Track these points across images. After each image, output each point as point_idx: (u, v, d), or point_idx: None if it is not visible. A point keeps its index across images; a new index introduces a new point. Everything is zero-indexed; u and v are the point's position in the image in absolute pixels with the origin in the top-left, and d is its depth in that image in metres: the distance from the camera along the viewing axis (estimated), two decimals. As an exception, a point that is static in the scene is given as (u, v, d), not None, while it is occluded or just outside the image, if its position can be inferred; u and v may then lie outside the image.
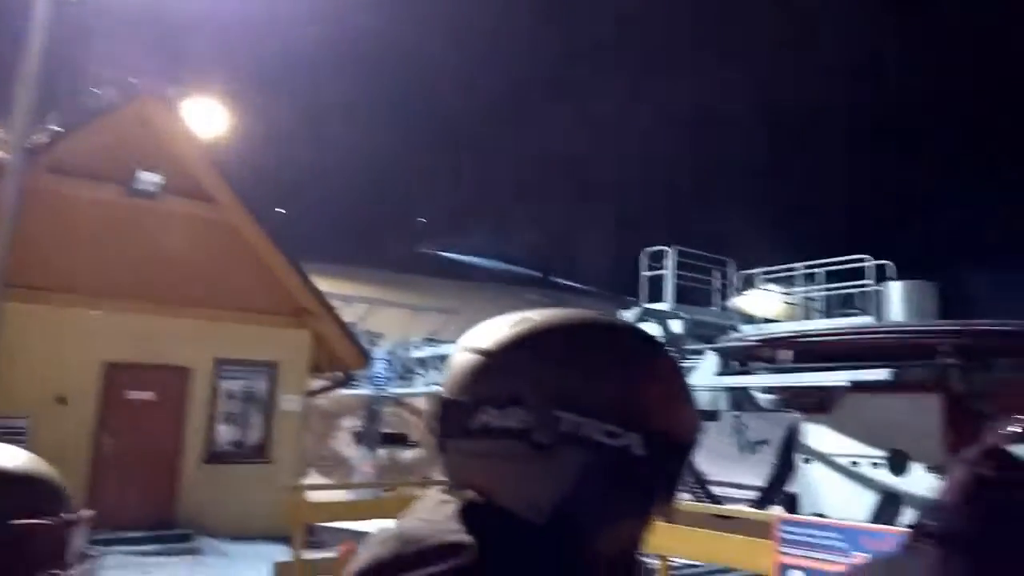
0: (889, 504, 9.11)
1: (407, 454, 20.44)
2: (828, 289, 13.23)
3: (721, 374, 11.98)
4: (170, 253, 11.26)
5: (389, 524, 0.91)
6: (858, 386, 9.46)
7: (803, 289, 13.47)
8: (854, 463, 9.76)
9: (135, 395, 10.99)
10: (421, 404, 20.38)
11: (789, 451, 11.82)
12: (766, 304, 13.59)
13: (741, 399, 12.42)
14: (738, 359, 11.85)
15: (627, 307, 14.16)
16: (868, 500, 9.38)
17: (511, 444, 0.86)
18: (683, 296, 13.90)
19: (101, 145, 10.92)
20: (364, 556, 0.86)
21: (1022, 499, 1.53)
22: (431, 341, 17.83)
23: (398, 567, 0.82)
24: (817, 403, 10.29)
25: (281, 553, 7.52)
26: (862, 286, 12.46)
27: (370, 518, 7.24)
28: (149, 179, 11.10)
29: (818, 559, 4.85)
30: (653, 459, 0.87)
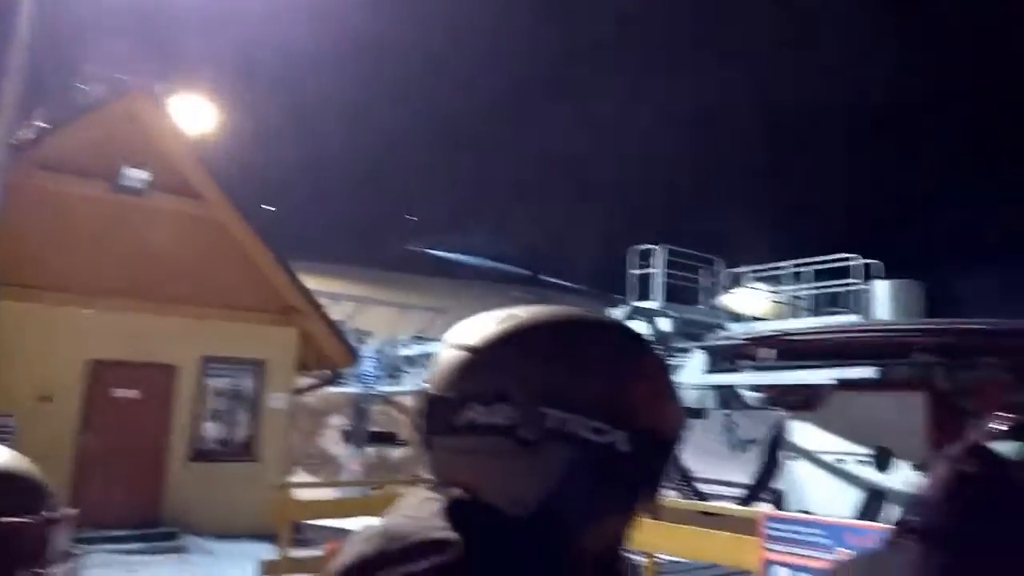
0: (874, 501, 9.18)
1: (395, 452, 20.41)
2: (815, 288, 13.31)
3: (708, 372, 12.03)
4: (157, 250, 11.19)
5: (375, 522, 0.91)
6: (844, 384, 9.53)
7: (790, 288, 13.54)
8: (840, 460, 9.83)
9: (121, 393, 10.91)
10: (409, 402, 20.34)
11: (775, 449, 11.89)
12: (754, 303, 13.66)
13: (728, 397, 12.47)
14: (725, 357, 11.91)
15: (616, 305, 14.19)
16: (853, 497, 9.45)
17: (497, 440, 0.86)
18: (671, 294, 13.94)
19: (88, 141, 10.84)
20: (349, 553, 0.86)
21: (1003, 495, 1.55)
22: (419, 339, 17.80)
23: (383, 564, 0.82)
24: (803, 401, 10.36)
25: (268, 552, 7.50)
26: (849, 285, 12.54)
27: (357, 516, 7.23)
28: (136, 176, 11.03)
29: (803, 555, 4.88)
30: (638, 456, 0.87)
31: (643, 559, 5.79)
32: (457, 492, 0.88)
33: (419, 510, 0.88)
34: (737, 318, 13.32)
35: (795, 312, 13.21)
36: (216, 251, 11.81)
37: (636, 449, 0.87)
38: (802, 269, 13.47)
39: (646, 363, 0.94)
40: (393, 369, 17.39)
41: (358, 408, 17.76)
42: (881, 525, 5.64)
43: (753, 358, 11.19)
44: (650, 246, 13.92)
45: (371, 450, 18.65)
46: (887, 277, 12.21)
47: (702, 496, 13.73)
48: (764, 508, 9.77)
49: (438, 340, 1.03)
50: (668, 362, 12.60)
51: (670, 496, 10.96)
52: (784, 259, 13.72)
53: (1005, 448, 2.73)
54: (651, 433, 0.89)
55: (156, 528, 10.46)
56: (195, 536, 10.37)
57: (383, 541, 0.85)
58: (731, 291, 14.07)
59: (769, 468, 12.35)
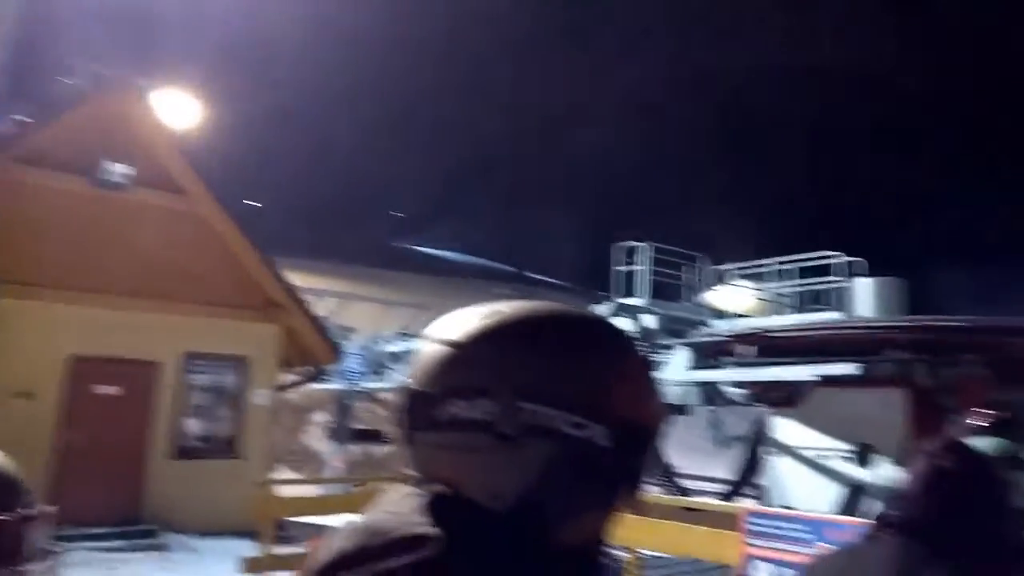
0: (855, 496, 9.27)
1: (380, 449, 20.37)
2: (799, 285, 13.40)
3: (692, 369, 12.10)
4: (139, 246, 11.10)
5: (357, 518, 0.91)
6: (826, 381, 9.61)
7: (774, 285, 13.63)
8: (821, 456, 9.92)
9: (102, 389, 10.82)
10: (393, 399, 20.28)
11: (757, 445, 11.98)
12: (738, 300, 13.73)
13: (712, 394, 12.55)
14: (709, 354, 11.97)
15: (601, 302, 14.24)
16: (835, 492, 9.53)
17: (478, 436, 0.86)
18: (656, 291, 14.00)
19: (70, 136, 10.72)
20: (329, 549, 0.86)
21: (979, 490, 1.58)
22: (404, 336, 17.78)
23: (363, 559, 0.82)
24: (786, 397, 10.43)
25: (250, 549, 7.46)
26: (832, 282, 12.64)
27: (340, 513, 7.21)
28: (118, 171, 10.93)
29: (784, 550, 4.92)
30: (619, 451, 0.88)
31: (625, 554, 5.82)
32: (438, 487, 0.88)
33: (400, 506, 0.88)
34: (721, 315, 13.39)
35: (778, 309, 13.30)
36: (199, 247, 11.73)
37: (617, 444, 0.87)
38: (786, 267, 13.56)
39: (627, 358, 0.94)
40: (377, 366, 17.37)
41: (342, 405, 17.71)
42: (862, 520, 5.70)
43: (736, 355, 11.26)
44: (635, 243, 13.97)
45: (355, 447, 18.61)
46: (870, 275, 12.32)
47: (685, 492, 13.81)
48: (746, 503, 9.84)
49: (422, 337, 1.01)
50: (650, 358, 12.68)
51: (653, 492, 11.02)
52: (769, 256, 13.81)
53: (983, 444, 2.77)
54: (632, 428, 0.89)
55: (137, 526, 10.38)
56: (177, 534, 10.31)
57: (363, 536, 0.85)
58: (715, 288, 14.14)
59: (751, 464, 12.45)
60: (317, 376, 14.36)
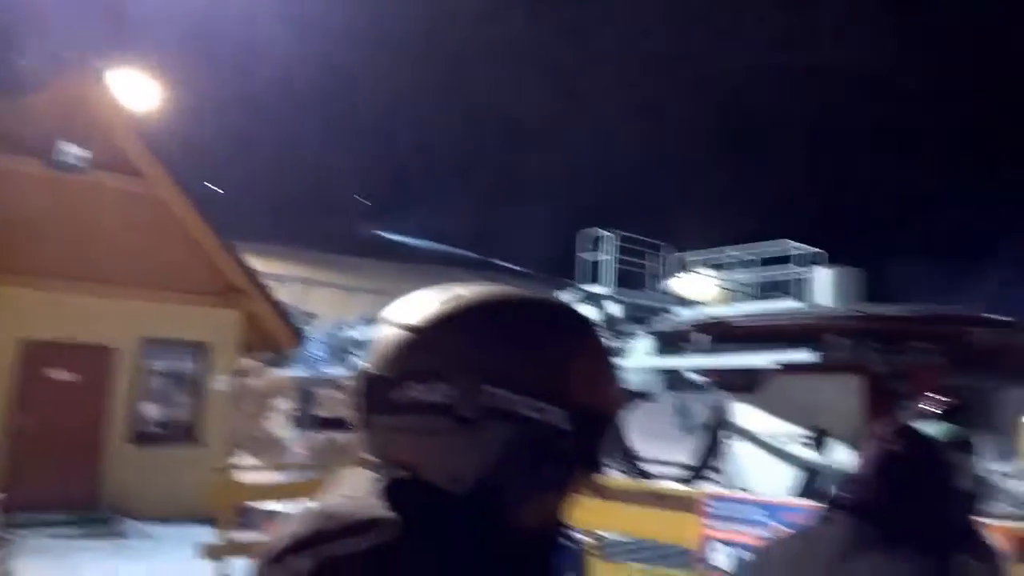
0: (811, 479, 9.48)
1: (343, 437, 20.27)
2: (759, 274, 13.61)
3: (655, 355, 12.23)
4: (95, 229, 10.86)
5: (314, 502, 0.90)
6: (784, 367, 9.78)
7: (736, 274, 13.82)
8: (779, 441, 10.11)
9: (56, 374, 10.60)
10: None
11: (718, 430, 12.16)
12: (700, 288, 13.89)
13: (674, 380, 12.70)
14: (671, 341, 12.11)
15: (565, 290, 14.29)
16: (792, 476, 9.74)
17: (437, 419, 0.86)
18: (620, 279, 14.11)
19: (25, 117, 10.42)
20: (285, 532, 0.85)
21: (927, 473, 1.63)
22: (367, 322, 17.68)
23: (319, 543, 0.81)
24: (745, 383, 10.61)
25: (209, 535, 7.38)
26: (792, 272, 12.85)
27: (301, 499, 7.17)
28: (74, 152, 10.67)
29: (742, 532, 5.01)
30: (577, 434, 0.88)
31: (585, 537, 5.87)
32: (395, 471, 0.88)
33: (356, 489, 0.88)
34: (684, 303, 13.54)
35: (740, 297, 13.49)
36: (157, 230, 11.50)
37: (575, 427, 0.88)
38: (748, 256, 13.75)
39: (587, 342, 0.95)
40: (340, 352, 17.25)
41: (304, 391, 17.58)
42: (817, 503, 5.83)
43: (698, 342, 11.41)
44: (601, 232, 14.05)
45: (318, 434, 18.49)
46: (829, 265, 12.54)
47: (647, 476, 13.98)
48: (706, 487, 9.99)
49: (380, 320, 1.00)
50: (610, 343, 12.82)
51: (615, 476, 11.14)
52: (731, 246, 13.99)
53: (934, 429, 2.85)
54: (590, 412, 0.90)
55: (93, 512, 10.22)
56: (134, 520, 10.16)
57: (319, 520, 0.84)
58: (678, 276, 14.29)
59: (711, 449, 12.64)
60: (279, 362, 14.23)
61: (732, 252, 13.98)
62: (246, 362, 13.29)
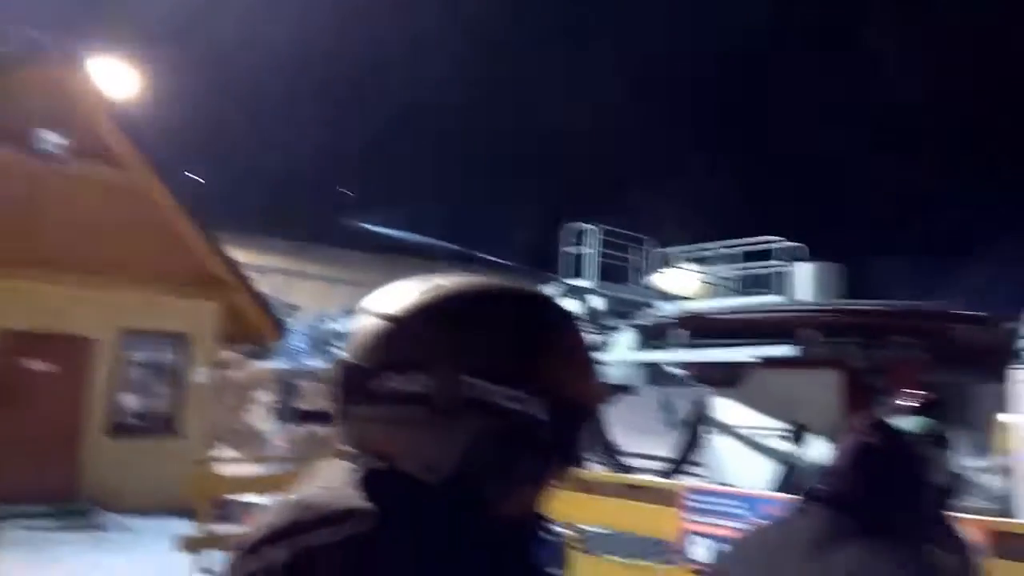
0: (790, 473, 9.56)
1: (324, 430, 20.20)
2: (741, 269, 13.68)
3: (637, 349, 12.27)
4: (74, 218, 10.72)
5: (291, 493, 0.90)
6: (765, 362, 9.86)
7: (720, 269, 13.88)
8: (759, 435, 10.19)
9: (34, 365, 10.49)
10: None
11: (698, 424, 12.24)
12: (683, 282, 13.95)
13: (656, 374, 12.76)
14: (653, 335, 12.16)
15: (549, 283, 14.30)
16: (771, 470, 9.82)
17: (414, 409, 0.86)
18: (604, 273, 14.13)
19: (3, 103, 10.27)
20: (262, 523, 0.85)
21: (901, 466, 1.65)
22: (350, 314, 17.60)
23: (295, 533, 0.81)
24: (726, 378, 10.67)
25: (188, 528, 7.34)
26: (773, 267, 12.94)
27: (281, 492, 7.14)
28: (52, 140, 10.53)
29: (720, 525, 5.06)
30: (555, 425, 0.89)
31: (566, 529, 5.90)
32: (372, 461, 0.87)
33: (333, 480, 0.87)
34: (666, 297, 13.59)
35: (722, 292, 13.56)
36: (137, 220, 11.37)
37: (553, 418, 0.88)
38: (730, 250, 13.82)
39: (566, 334, 0.95)
40: (322, 344, 17.17)
41: (286, 384, 17.49)
42: (795, 496, 5.88)
43: (679, 336, 11.47)
44: (584, 225, 14.06)
45: (299, 427, 18.41)
46: (811, 260, 12.63)
47: (628, 469, 14.05)
48: (686, 481, 10.06)
49: (359, 310, 1.00)
50: (590, 335, 12.86)
51: (596, 469, 11.19)
52: (717, 240, 14.06)
53: (911, 423, 2.88)
54: (569, 403, 0.90)
55: (72, 504, 10.13)
56: (113, 513, 10.09)
57: (296, 511, 0.84)
58: (661, 271, 14.33)
59: (692, 442, 12.72)
60: (261, 354, 14.15)
61: (714, 247, 14.05)
62: (227, 354, 13.20)
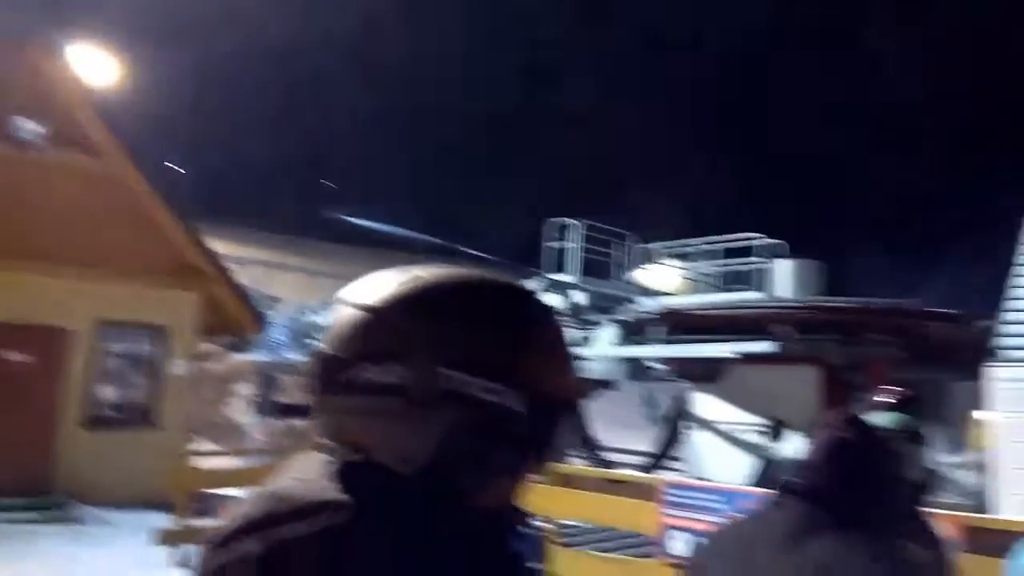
0: (768, 468, 9.64)
1: (304, 423, 20.10)
2: (722, 265, 13.75)
3: (618, 345, 12.31)
4: (51, 207, 10.56)
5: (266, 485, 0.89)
6: (744, 358, 9.92)
7: (699, 265, 13.95)
8: (738, 430, 10.27)
9: (10, 356, 10.36)
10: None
11: (678, 419, 12.31)
12: (664, 278, 13.99)
13: (637, 369, 12.81)
14: (634, 331, 12.20)
15: (531, 278, 14.31)
16: (750, 464, 9.89)
17: (391, 400, 0.86)
18: (586, 268, 14.16)
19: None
20: (236, 515, 0.84)
21: (874, 461, 1.67)
22: (331, 307, 17.51)
23: (270, 525, 0.80)
24: (706, 373, 10.74)
25: (166, 521, 7.29)
26: (753, 263, 13.01)
27: (260, 485, 7.10)
28: (29, 128, 10.37)
29: (699, 520, 5.09)
30: (532, 418, 0.89)
31: (546, 524, 5.91)
32: (348, 453, 0.87)
33: (308, 472, 0.87)
34: (648, 293, 13.63)
35: (703, 288, 13.62)
36: (115, 210, 11.23)
37: (530, 411, 0.88)
38: (711, 247, 13.89)
39: (544, 327, 0.95)
40: (303, 337, 17.10)
41: (266, 377, 17.40)
42: (773, 491, 5.92)
43: (660, 332, 11.52)
44: (567, 220, 14.08)
45: (279, 420, 18.33)
46: (791, 257, 12.71)
47: (608, 464, 14.11)
48: (665, 475, 10.12)
49: (337, 300, 0.99)
50: (574, 331, 12.89)
51: (576, 463, 11.22)
52: (697, 237, 14.12)
53: (887, 419, 2.91)
54: (545, 396, 0.90)
55: (48, 497, 10.01)
56: (90, 506, 9.98)
57: (270, 503, 0.84)
58: (644, 267, 14.37)
59: (672, 437, 12.79)
60: (240, 346, 14.06)
61: (696, 243, 14.11)
62: (206, 346, 13.09)
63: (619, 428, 15.91)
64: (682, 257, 14.25)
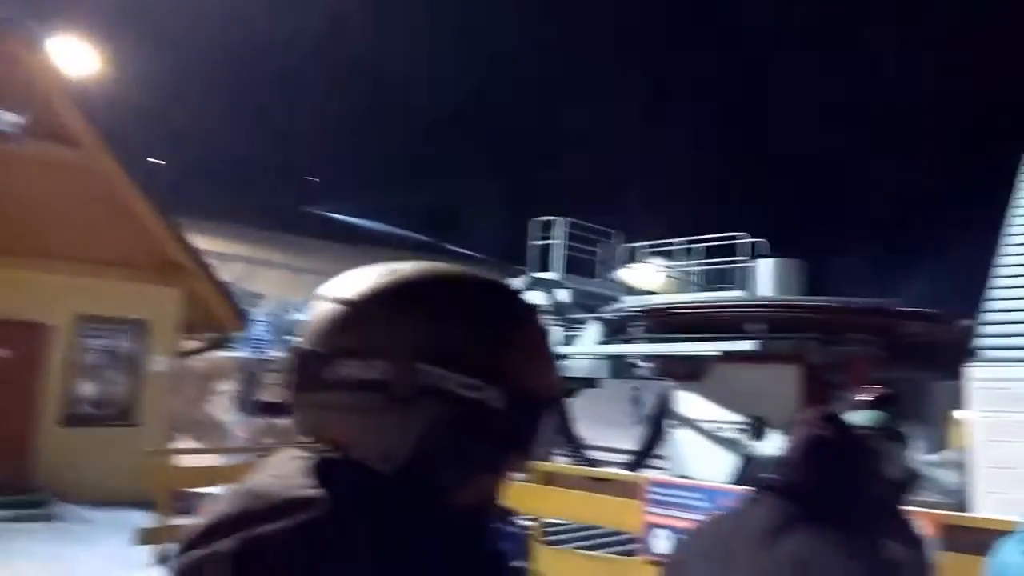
0: (749, 466, 9.70)
1: (286, 421, 19.98)
2: (705, 264, 13.82)
3: (602, 343, 12.35)
4: (30, 200, 10.42)
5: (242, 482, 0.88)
6: (726, 356, 9.97)
7: (683, 264, 14.01)
8: (719, 428, 10.32)
9: (-14, 352, 10.24)
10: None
11: (661, 417, 12.36)
12: (648, 277, 14.05)
13: (621, 367, 12.85)
14: (618, 329, 12.24)
15: (517, 276, 14.33)
16: (732, 462, 9.95)
17: (369, 396, 0.84)
18: (570, 266, 14.20)
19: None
20: (211, 512, 0.83)
21: (850, 457, 1.69)
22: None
23: (246, 522, 0.79)
24: (689, 371, 10.78)
25: (148, 520, 7.23)
26: (736, 262, 13.08)
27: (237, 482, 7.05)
28: (7, 119, 10.23)
29: (681, 517, 5.11)
30: (512, 414, 0.88)
31: (530, 522, 5.92)
32: (325, 450, 0.86)
33: (285, 469, 0.86)
34: (632, 291, 13.68)
35: (686, 287, 13.68)
36: (95, 203, 11.10)
37: (510, 407, 0.87)
38: (694, 245, 13.96)
39: (525, 323, 0.94)
40: (285, 334, 17.01)
41: (248, 374, 17.29)
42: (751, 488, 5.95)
43: (644, 330, 11.56)
44: (551, 218, 14.10)
45: (260, 418, 18.23)
46: (772, 256, 12.78)
47: (593, 463, 14.16)
48: (649, 474, 10.16)
49: (315, 295, 0.98)
50: (557, 328, 12.91)
51: (560, 461, 11.25)
52: (683, 235, 14.19)
53: (863, 416, 2.93)
54: (526, 392, 0.89)
55: (26, 495, 9.89)
56: (70, 504, 9.88)
57: (246, 500, 0.82)
58: (628, 265, 14.43)
59: (655, 435, 12.85)
60: (222, 343, 13.95)
61: (680, 242, 14.18)
62: (187, 342, 12.98)
63: (603, 426, 15.96)
64: (666, 256, 14.31)
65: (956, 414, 8.46)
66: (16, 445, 10.25)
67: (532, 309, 0.98)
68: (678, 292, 13.24)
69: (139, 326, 11.57)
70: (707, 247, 13.77)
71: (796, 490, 1.60)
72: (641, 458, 12.99)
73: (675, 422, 11.25)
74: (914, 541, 2.36)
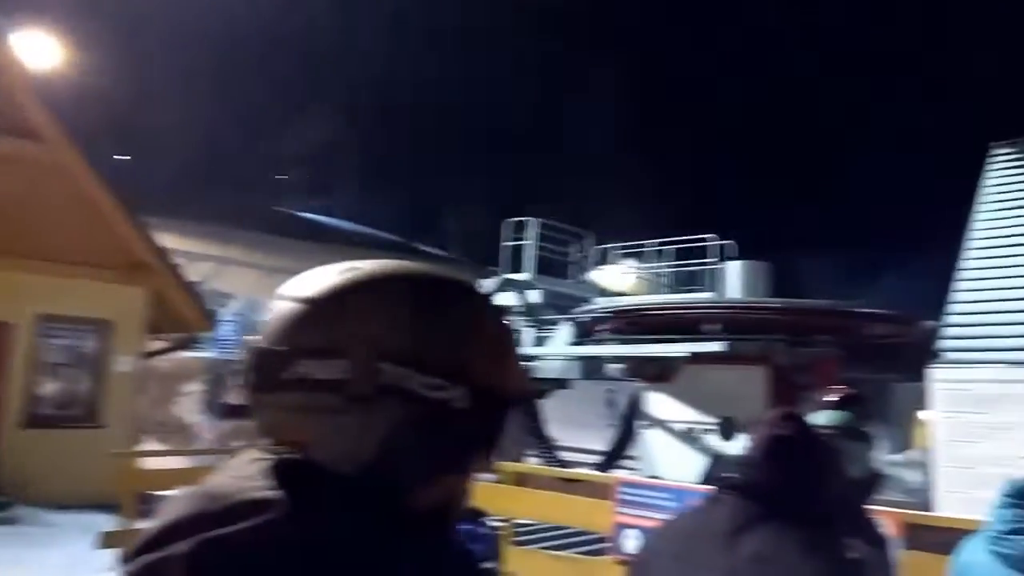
0: (717, 466, 9.79)
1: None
2: (675, 266, 13.93)
3: (573, 344, 12.38)
4: (-11, 197, 10.21)
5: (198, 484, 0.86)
6: (695, 357, 10.06)
7: (653, 265, 14.11)
8: (689, 429, 10.41)
9: (-57, 352, 9.98)
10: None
11: (632, 418, 12.42)
12: (619, 278, 14.12)
13: (592, 368, 12.90)
14: (589, 330, 12.29)
15: (488, 276, 14.32)
16: (701, 463, 10.03)
17: (330, 396, 0.83)
18: (542, 267, 14.23)
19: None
20: (167, 514, 0.81)
21: (810, 456, 1.71)
22: (283, 303, 17.25)
23: (202, 524, 0.78)
24: (659, 372, 10.86)
25: (112, 523, 7.09)
26: (705, 264, 13.20)
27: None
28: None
29: (650, 518, 5.13)
30: (476, 414, 0.87)
31: (501, 523, 5.91)
32: (285, 451, 0.84)
33: (243, 470, 0.84)
34: (603, 292, 13.74)
35: (656, 288, 13.77)
36: (58, 200, 10.87)
37: (474, 407, 0.87)
38: (665, 247, 14.06)
39: (489, 321, 0.94)
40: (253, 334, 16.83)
41: (216, 375, 17.06)
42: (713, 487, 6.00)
43: (614, 331, 11.62)
44: (523, 218, 14.12)
45: (228, 419, 18.01)
46: (741, 258, 12.92)
47: (563, 463, 14.19)
48: (619, 474, 10.21)
49: (275, 294, 0.97)
50: (529, 329, 12.92)
51: (531, 462, 11.26)
52: (654, 236, 14.30)
53: (827, 416, 2.97)
54: (490, 392, 0.89)
55: (-16, 498, 9.67)
56: (32, 507, 9.68)
57: (202, 502, 0.81)
58: (599, 267, 14.50)
59: (626, 436, 12.91)
60: (189, 344, 13.75)
61: (651, 244, 14.28)
62: (153, 343, 12.78)
63: (574, 427, 16.00)
64: (637, 257, 14.40)
65: (920, 415, 8.60)
66: (-25, 447, 10.01)
67: (496, 307, 0.97)
68: (648, 293, 13.32)
69: (104, 326, 11.36)
70: (677, 249, 13.88)
71: (757, 489, 1.61)
72: (612, 459, 13.05)
73: (646, 423, 11.32)
74: (877, 540, 2.39)
